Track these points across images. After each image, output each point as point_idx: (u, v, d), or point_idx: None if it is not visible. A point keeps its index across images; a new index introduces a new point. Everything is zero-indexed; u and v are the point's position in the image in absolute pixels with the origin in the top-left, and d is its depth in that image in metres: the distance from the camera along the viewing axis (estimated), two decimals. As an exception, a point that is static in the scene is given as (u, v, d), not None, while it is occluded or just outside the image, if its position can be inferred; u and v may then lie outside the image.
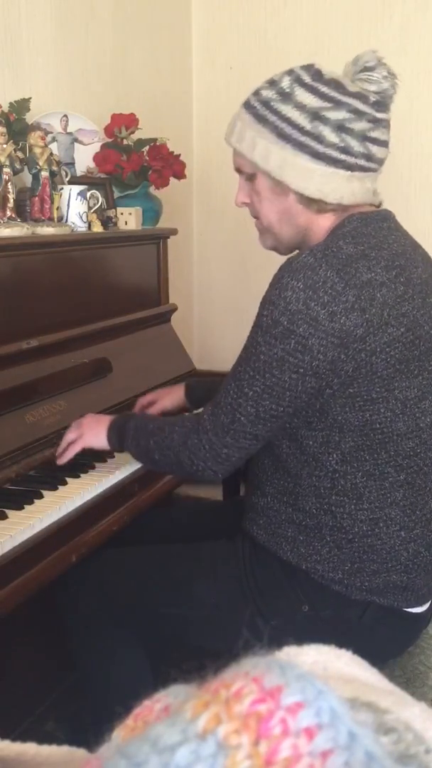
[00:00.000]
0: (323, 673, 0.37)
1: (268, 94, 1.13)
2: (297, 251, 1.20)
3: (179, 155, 1.94)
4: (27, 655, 1.58)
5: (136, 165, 1.86)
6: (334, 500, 1.16)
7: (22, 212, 1.53)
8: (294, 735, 0.26)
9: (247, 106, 1.17)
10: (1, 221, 1.44)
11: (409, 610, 1.22)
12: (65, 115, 1.80)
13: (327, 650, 0.38)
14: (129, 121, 1.88)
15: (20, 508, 1.21)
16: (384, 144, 1.14)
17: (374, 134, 1.12)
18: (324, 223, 1.17)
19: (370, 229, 1.13)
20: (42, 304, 1.55)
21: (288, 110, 1.11)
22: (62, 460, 1.35)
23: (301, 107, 1.10)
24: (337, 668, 0.38)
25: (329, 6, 2.28)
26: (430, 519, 1.20)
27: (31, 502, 1.23)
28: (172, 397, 1.65)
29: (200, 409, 1.33)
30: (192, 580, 1.27)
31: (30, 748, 0.40)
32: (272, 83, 1.14)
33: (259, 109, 1.14)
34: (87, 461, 1.39)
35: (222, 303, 2.65)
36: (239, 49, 2.43)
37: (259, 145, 1.14)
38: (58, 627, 1.37)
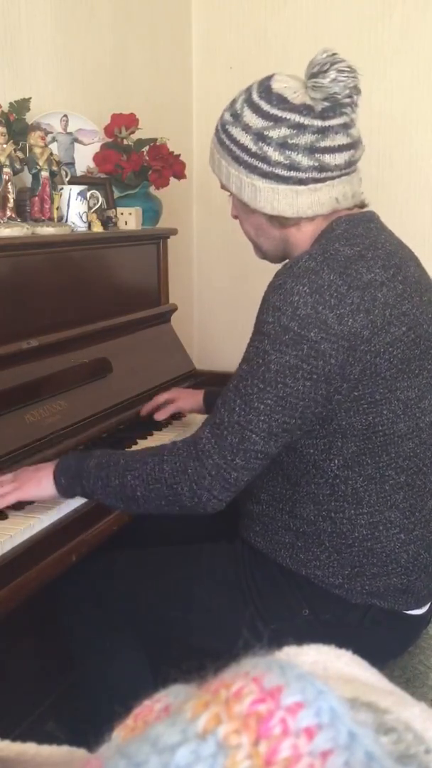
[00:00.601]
0: (323, 673, 0.37)
1: (226, 116, 1.17)
2: (287, 260, 1.20)
3: (179, 155, 1.94)
4: (27, 655, 1.58)
5: (136, 165, 1.86)
6: (334, 506, 1.15)
7: (22, 212, 1.53)
8: (294, 735, 0.26)
9: (215, 129, 1.20)
10: (1, 221, 1.44)
11: (410, 612, 1.22)
12: (65, 115, 1.80)
13: (327, 650, 0.38)
14: (129, 121, 1.88)
15: (20, 508, 1.21)
16: (341, 149, 1.11)
17: (324, 143, 1.09)
18: (299, 234, 1.17)
19: (361, 230, 1.13)
20: (42, 304, 1.55)
21: (237, 133, 1.13)
22: None
23: (247, 129, 1.12)
24: (337, 668, 0.37)
25: (329, 6, 2.27)
26: (429, 520, 1.20)
27: (30, 502, 1.22)
28: (191, 401, 1.64)
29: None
30: (191, 582, 1.26)
31: (30, 748, 0.40)
32: (232, 104, 1.17)
33: (220, 133, 1.18)
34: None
35: (222, 303, 2.65)
36: (239, 49, 2.43)
37: (223, 167, 1.18)
38: (58, 627, 1.37)
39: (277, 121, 1.09)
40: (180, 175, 1.95)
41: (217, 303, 2.67)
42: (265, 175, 1.12)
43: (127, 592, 1.30)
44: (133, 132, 1.90)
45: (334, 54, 1.09)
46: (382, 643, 1.23)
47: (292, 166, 1.10)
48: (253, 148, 1.11)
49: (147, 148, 1.90)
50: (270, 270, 1.12)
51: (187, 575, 1.28)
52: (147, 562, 1.34)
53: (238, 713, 0.26)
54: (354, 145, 1.13)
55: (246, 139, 1.12)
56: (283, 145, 1.09)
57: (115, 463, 1.14)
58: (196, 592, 1.25)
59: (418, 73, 2.21)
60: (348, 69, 1.09)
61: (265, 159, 1.11)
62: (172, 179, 1.94)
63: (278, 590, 1.21)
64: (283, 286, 1.05)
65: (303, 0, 2.31)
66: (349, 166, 1.14)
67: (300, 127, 1.09)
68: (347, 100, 1.10)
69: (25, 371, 1.43)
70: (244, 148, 1.12)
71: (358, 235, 1.12)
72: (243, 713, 0.26)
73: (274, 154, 1.10)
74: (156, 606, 1.28)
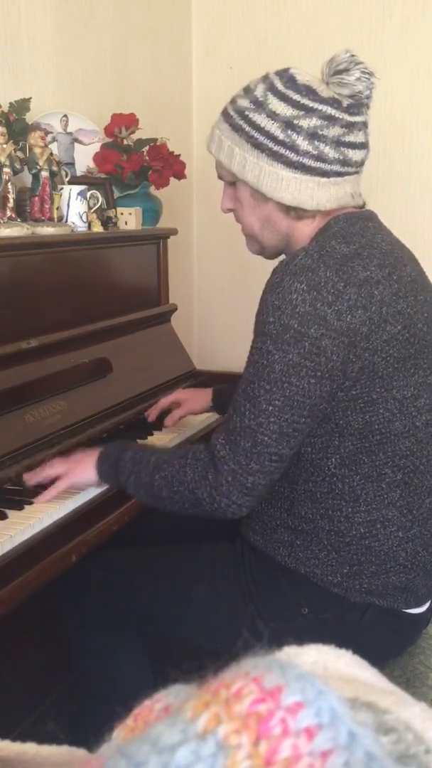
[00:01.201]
0: (323, 673, 0.37)
1: (243, 103, 1.14)
2: (284, 256, 1.20)
3: (179, 155, 1.94)
4: (27, 655, 1.58)
5: (136, 165, 1.86)
6: (331, 504, 1.16)
7: (22, 212, 1.53)
8: (294, 735, 0.26)
9: (225, 115, 1.18)
10: (1, 221, 1.44)
11: (409, 611, 1.22)
12: (65, 115, 1.80)
13: (327, 650, 0.38)
14: (129, 121, 1.88)
15: (20, 508, 1.21)
16: (360, 146, 1.14)
17: (349, 138, 1.11)
18: (305, 228, 1.17)
19: (358, 229, 1.13)
20: (42, 304, 1.55)
21: (261, 119, 1.11)
22: (41, 501, 1.22)
23: (274, 116, 1.10)
24: (337, 668, 0.37)
25: (329, 6, 2.27)
26: (427, 518, 1.20)
27: (31, 502, 1.22)
28: (200, 402, 1.63)
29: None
30: (192, 581, 1.27)
31: (30, 748, 0.40)
32: (247, 91, 1.15)
33: (235, 118, 1.15)
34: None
35: (222, 303, 2.65)
36: (239, 49, 2.43)
37: (236, 155, 1.15)
38: (58, 627, 1.37)
39: (309, 110, 1.09)
40: (180, 175, 1.95)
41: (217, 303, 2.67)
42: (291, 164, 1.11)
43: (127, 592, 1.30)
44: (133, 132, 1.90)
45: (354, 55, 1.11)
46: (382, 643, 1.23)
47: (320, 157, 1.10)
48: (281, 135, 1.10)
49: (147, 148, 1.90)
50: (270, 270, 1.12)
51: (188, 574, 1.28)
52: (147, 562, 1.34)
53: (238, 713, 0.26)
54: (367, 145, 1.16)
55: (272, 126, 1.10)
56: (313, 135, 1.09)
57: (147, 461, 1.17)
58: (196, 592, 1.25)
59: (418, 73, 2.21)
60: (369, 71, 1.12)
61: (293, 147, 1.10)
62: (172, 179, 1.94)
63: (278, 589, 1.21)
64: (281, 284, 1.05)
65: (303, 0, 2.31)
66: (362, 165, 1.16)
67: (331, 119, 1.10)
68: (366, 101, 1.13)
69: (25, 371, 1.43)
70: (270, 135, 1.11)
71: (354, 234, 1.12)
72: (243, 713, 0.26)
73: (303, 143, 1.09)
74: (156, 605, 1.28)
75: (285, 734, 0.26)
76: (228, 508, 1.10)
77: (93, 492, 1.30)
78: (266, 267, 1.25)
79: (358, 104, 1.12)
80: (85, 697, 1.33)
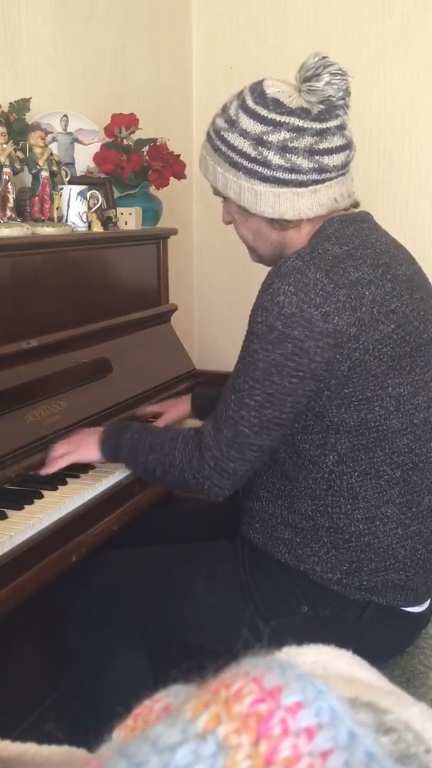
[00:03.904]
0: (323, 673, 0.37)
1: (220, 123, 1.17)
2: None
3: (179, 155, 1.94)
4: (27, 655, 1.58)
5: (136, 165, 1.86)
6: (330, 501, 1.16)
7: (22, 212, 1.53)
8: (294, 735, 0.26)
9: (207, 136, 1.21)
10: (1, 221, 1.44)
11: (408, 609, 1.22)
12: (65, 115, 1.80)
13: (327, 650, 0.38)
14: (129, 121, 1.88)
15: (20, 508, 1.21)
16: (338, 150, 1.13)
17: (322, 146, 1.11)
18: (296, 236, 1.19)
19: (352, 230, 1.14)
20: (42, 304, 1.55)
21: (234, 139, 1.14)
22: (47, 471, 1.30)
23: (245, 134, 1.12)
24: (337, 668, 0.38)
25: (329, 6, 2.27)
26: (426, 515, 1.20)
27: (31, 502, 1.23)
28: (180, 410, 1.65)
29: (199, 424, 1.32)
30: (192, 580, 1.27)
31: (30, 748, 0.40)
32: (224, 110, 1.18)
33: (214, 139, 1.18)
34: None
35: (222, 303, 2.65)
36: (239, 49, 2.43)
37: (218, 174, 1.18)
38: (58, 627, 1.37)
39: (276, 125, 1.10)
40: (180, 175, 1.95)
41: (217, 303, 2.67)
42: (266, 179, 1.12)
43: (127, 592, 1.30)
44: (133, 132, 1.90)
45: (324, 57, 1.11)
46: (382, 642, 1.23)
47: (293, 169, 1.11)
48: (253, 153, 1.12)
49: (147, 148, 1.90)
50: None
51: (187, 574, 1.28)
52: (147, 562, 1.34)
53: (238, 713, 0.26)
54: (349, 145, 1.15)
55: (244, 145, 1.12)
56: (283, 148, 1.10)
57: (143, 442, 1.25)
58: (196, 591, 1.26)
59: (418, 72, 2.21)
60: (340, 72, 1.11)
61: (265, 163, 1.11)
62: (172, 179, 1.94)
63: (277, 587, 1.21)
64: (271, 287, 1.08)
65: (303, 0, 2.31)
66: (345, 167, 1.16)
67: (299, 130, 1.10)
68: (341, 102, 1.12)
69: (25, 371, 1.43)
70: (243, 154, 1.13)
71: (348, 235, 1.13)
72: (243, 713, 0.26)
73: (274, 158, 1.11)
74: (156, 605, 1.28)
75: (285, 734, 0.26)
76: (211, 490, 1.17)
77: (93, 492, 1.30)
78: (266, 267, 1.25)
79: (331, 108, 1.11)
80: (85, 697, 1.34)
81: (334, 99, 1.10)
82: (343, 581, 1.18)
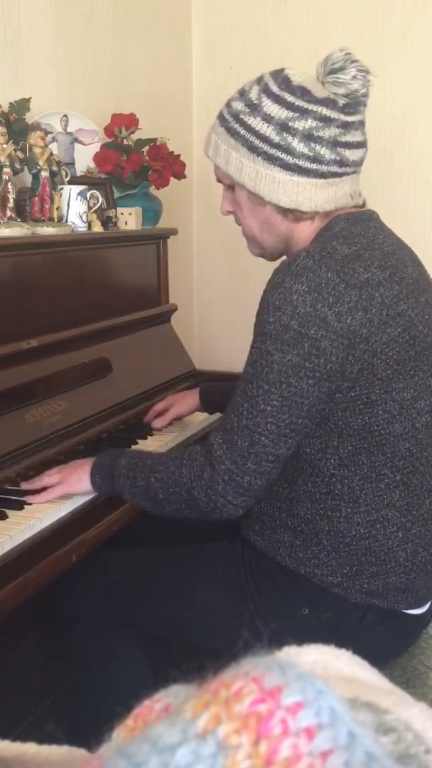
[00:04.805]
0: (323, 673, 0.37)
1: (238, 106, 1.14)
2: (284, 257, 1.20)
3: (179, 155, 1.94)
4: (27, 655, 1.57)
5: (136, 165, 1.86)
6: (330, 505, 1.16)
7: (22, 212, 1.53)
8: (294, 735, 0.26)
9: (221, 118, 1.17)
10: (1, 221, 1.44)
11: (409, 611, 1.22)
12: (65, 115, 1.80)
13: (327, 650, 0.38)
14: (129, 121, 1.88)
15: (20, 508, 1.21)
16: (358, 145, 1.13)
17: (346, 138, 1.10)
18: (305, 229, 1.17)
19: (359, 229, 1.13)
20: (42, 304, 1.55)
21: (256, 123, 1.11)
22: (35, 501, 1.22)
23: (268, 119, 1.10)
24: (337, 668, 0.37)
25: (329, 6, 2.27)
26: (427, 519, 1.20)
27: (31, 503, 1.22)
28: (187, 403, 1.63)
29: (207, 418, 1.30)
30: (192, 582, 1.26)
31: (30, 748, 0.40)
32: (242, 93, 1.15)
33: (231, 122, 1.14)
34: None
35: (222, 303, 2.65)
36: (239, 49, 2.43)
37: (233, 158, 1.15)
38: (58, 627, 1.37)
39: (304, 112, 1.08)
40: (180, 175, 1.95)
41: (217, 303, 2.67)
42: (287, 167, 1.10)
43: (128, 592, 1.30)
44: (133, 132, 1.90)
45: (349, 53, 1.10)
46: (382, 643, 1.23)
47: (316, 159, 1.09)
48: (276, 138, 1.09)
49: (147, 148, 1.90)
50: (270, 270, 1.12)
51: (188, 575, 1.28)
52: (147, 562, 1.34)
53: (238, 713, 0.26)
54: (366, 143, 1.15)
55: (267, 129, 1.10)
56: (309, 136, 1.08)
57: (142, 465, 1.17)
58: (196, 592, 1.25)
59: (418, 72, 2.21)
60: (365, 69, 1.11)
61: (288, 150, 1.09)
62: (172, 179, 1.94)
63: (278, 589, 1.21)
64: (282, 285, 1.05)
65: (303, 0, 2.31)
66: (360, 164, 1.15)
67: (326, 120, 1.09)
68: (363, 99, 1.12)
69: (25, 371, 1.43)
70: (265, 138, 1.10)
71: (356, 234, 1.12)
72: (243, 713, 0.26)
73: (299, 146, 1.09)
74: (156, 606, 1.28)
75: (285, 734, 0.26)
76: (224, 508, 1.09)
77: (93, 493, 1.30)
78: (266, 267, 1.25)
79: (355, 103, 1.11)
80: (85, 697, 1.33)
81: (358, 93, 1.10)
82: (343, 584, 1.17)
